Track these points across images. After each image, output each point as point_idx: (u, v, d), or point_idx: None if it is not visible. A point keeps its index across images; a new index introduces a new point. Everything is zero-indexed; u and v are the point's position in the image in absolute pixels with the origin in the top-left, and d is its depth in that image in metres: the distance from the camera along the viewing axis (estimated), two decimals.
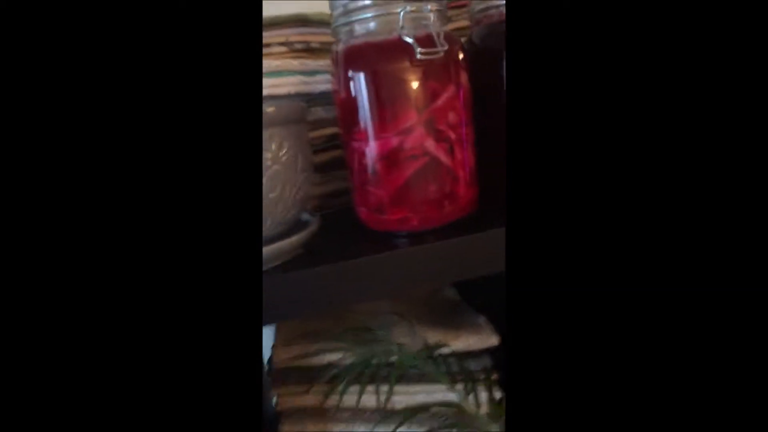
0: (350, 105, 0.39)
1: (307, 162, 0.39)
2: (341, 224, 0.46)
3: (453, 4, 0.56)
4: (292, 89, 0.53)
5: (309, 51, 0.53)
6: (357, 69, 0.37)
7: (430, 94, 0.37)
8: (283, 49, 0.52)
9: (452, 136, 0.38)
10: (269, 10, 0.53)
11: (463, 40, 0.43)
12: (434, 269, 0.38)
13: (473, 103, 0.40)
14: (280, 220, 0.37)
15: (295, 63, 0.53)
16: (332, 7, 0.40)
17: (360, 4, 0.37)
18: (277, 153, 0.36)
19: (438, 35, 0.36)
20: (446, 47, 0.36)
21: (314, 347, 0.49)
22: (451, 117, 0.38)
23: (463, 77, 0.39)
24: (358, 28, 0.38)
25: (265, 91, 0.52)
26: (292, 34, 0.52)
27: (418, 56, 0.35)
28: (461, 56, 0.39)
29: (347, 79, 0.38)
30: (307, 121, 0.42)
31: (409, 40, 0.35)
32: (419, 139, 0.37)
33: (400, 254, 0.37)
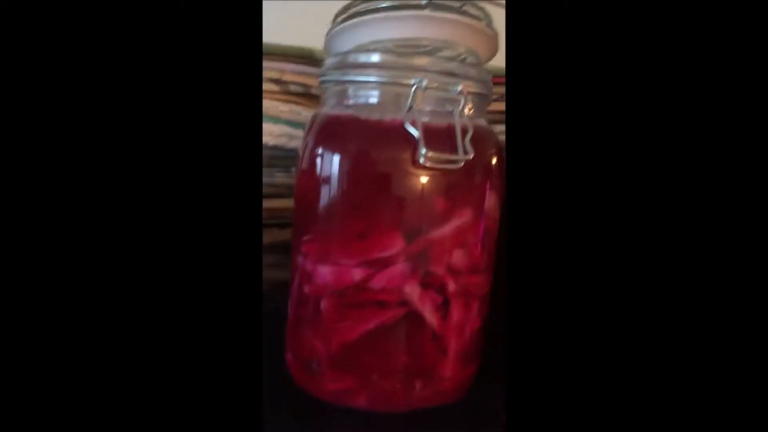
0: (309, 195, 0.27)
1: None
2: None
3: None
4: (269, 140, 0.42)
5: (306, 97, 0.43)
6: (331, 147, 0.26)
7: (433, 215, 0.25)
8: (273, 87, 0.42)
9: (451, 285, 0.26)
10: (266, 33, 0.43)
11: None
12: None
13: (500, 239, 0.28)
14: None
15: (283, 108, 0.42)
16: (326, 51, 0.30)
17: (362, 60, 0.26)
18: None
19: (464, 132, 0.24)
20: (471, 155, 0.24)
21: None
22: (458, 257, 0.26)
23: (492, 200, 0.27)
24: (353, 94, 0.26)
25: None
26: (290, 72, 0.42)
27: (422, 160, 0.23)
28: (494, 163, 0.27)
29: (314, 156, 0.26)
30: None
31: (414, 132, 0.23)
32: (397, 279, 0.25)
33: None
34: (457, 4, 0.25)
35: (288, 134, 0.42)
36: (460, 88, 0.24)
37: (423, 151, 0.22)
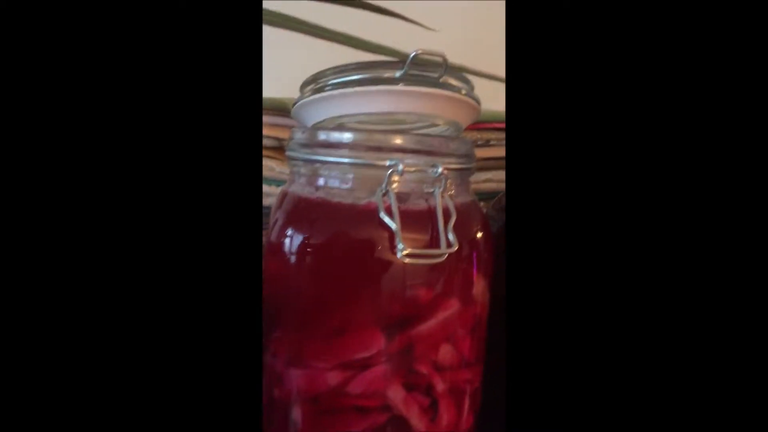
0: (277, 285, 0.25)
1: None
2: None
3: (498, 125, 0.44)
4: None
5: (279, 150, 0.41)
6: (300, 233, 0.24)
7: (416, 307, 0.23)
8: None
9: (439, 385, 0.24)
10: None
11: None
12: None
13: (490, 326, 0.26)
14: None
15: None
16: (295, 115, 0.28)
17: (333, 138, 0.24)
18: None
19: (446, 219, 0.22)
20: (454, 247, 0.22)
21: None
22: (445, 353, 0.24)
23: (480, 285, 0.25)
24: (323, 174, 0.24)
25: None
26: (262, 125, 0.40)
27: (399, 255, 0.21)
28: (480, 238, 0.25)
29: (282, 240, 0.24)
30: None
31: (390, 222, 0.21)
32: (379, 381, 0.23)
33: None
34: (434, 75, 0.23)
35: (263, 192, 0.40)
36: (440, 169, 0.22)
37: (401, 246, 0.21)
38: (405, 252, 0.21)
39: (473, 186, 0.44)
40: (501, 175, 0.44)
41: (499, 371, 0.24)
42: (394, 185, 0.22)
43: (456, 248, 0.21)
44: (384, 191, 0.22)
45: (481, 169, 0.45)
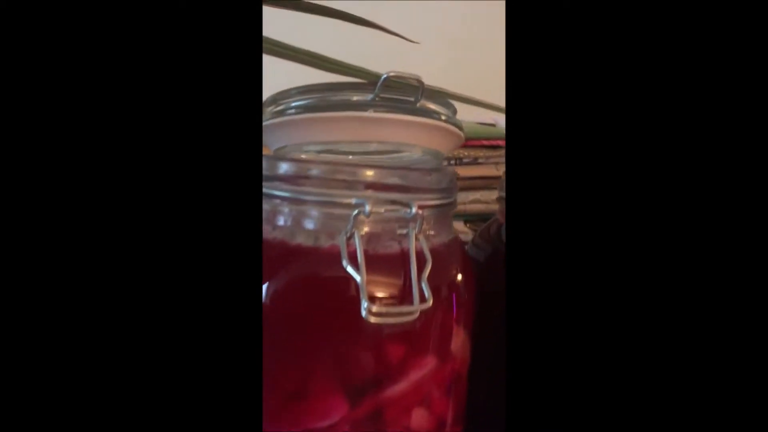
0: None
1: None
2: None
3: (486, 142, 0.41)
4: None
5: None
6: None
7: (385, 367, 0.20)
8: None
9: None
10: None
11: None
12: None
13: (470, 381, 0.23)
14: None
15: None
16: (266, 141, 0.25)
17: (293, 171, 0.20)
18: None
19: (420, 268, 0.19)
20: (429, 302, 0.19)
21: None
22: (419, 418, 0.21)
23: (459, 337, 0.22)
24: (281, 211, 0.21)
25: None
26: None
27: (364, 314, 0.18)
28: (459, 281, 0.22)
29: None
30: None
31: (354, 274, 0.19)
32: None
33: None
34: (410, 99, 0.20)
35: None
36: (414, 210, 0.19)
37: (365, 305, 0.18)
38: (371, 310, 0.18)
39: (460, 207, 0.41)
40: (489, 195, 0.42)
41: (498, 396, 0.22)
42: (364, 227, 0.19)
43: (430, 304, 0.19)
44: (349, 235, 0.19)
45: (468, 188, 0.42)
